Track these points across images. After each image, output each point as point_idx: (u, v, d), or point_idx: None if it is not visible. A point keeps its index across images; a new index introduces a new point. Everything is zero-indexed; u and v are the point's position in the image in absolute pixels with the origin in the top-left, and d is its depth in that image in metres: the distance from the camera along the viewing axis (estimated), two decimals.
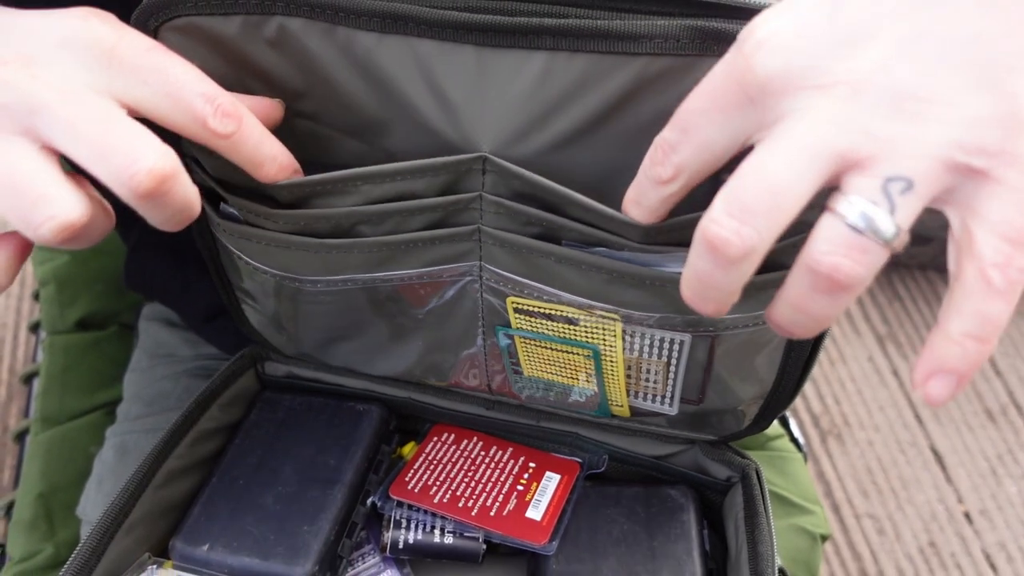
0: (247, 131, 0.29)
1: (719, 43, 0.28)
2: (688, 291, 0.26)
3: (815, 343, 0.38)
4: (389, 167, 0.32)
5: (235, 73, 0.32)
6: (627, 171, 0.29)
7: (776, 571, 0.39)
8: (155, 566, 0.42)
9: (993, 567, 0.92)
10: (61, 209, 0.26)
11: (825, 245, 0.23)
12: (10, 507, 0.61)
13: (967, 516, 0.95)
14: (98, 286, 0.69)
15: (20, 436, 0.65)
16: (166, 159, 0.26)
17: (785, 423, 0.66)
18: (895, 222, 0.23)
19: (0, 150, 0.26)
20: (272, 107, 0.32)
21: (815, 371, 1.03)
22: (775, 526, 0.59)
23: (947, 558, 0.92)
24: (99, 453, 0.56)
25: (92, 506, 0.53)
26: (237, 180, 0.33)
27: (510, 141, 0.32)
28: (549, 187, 0.31)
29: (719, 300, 0.25)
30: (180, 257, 0.51)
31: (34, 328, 0.71)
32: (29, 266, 1.11)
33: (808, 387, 1.04)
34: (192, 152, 0.34)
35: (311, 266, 0.36)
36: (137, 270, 0.53)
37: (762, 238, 0.23)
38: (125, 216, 0.47)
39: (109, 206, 0.29)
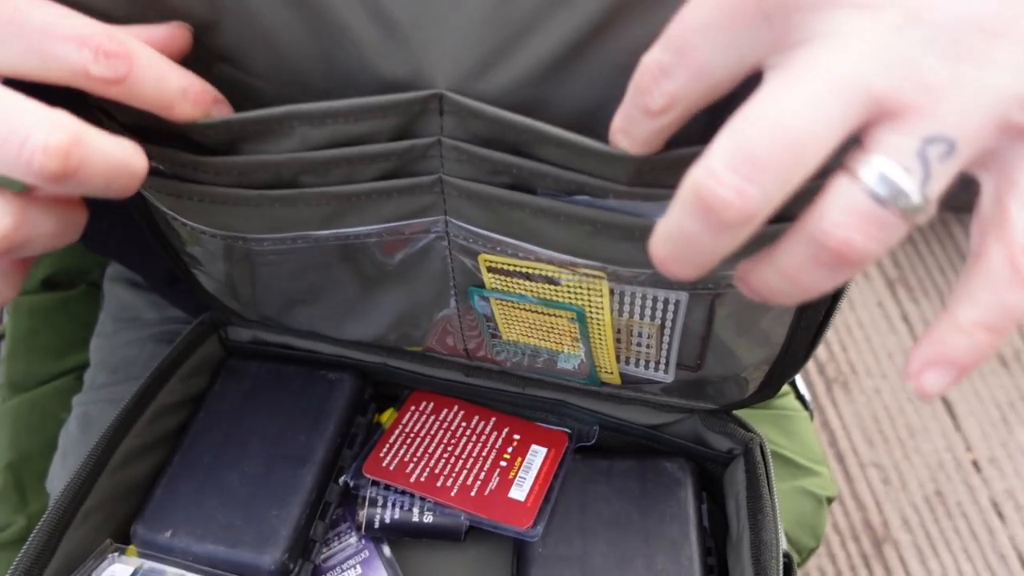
0: (142, 69, 0.24)
1: None
2: (662, 249, 0.21)
3: (833, 299, 0.33)
4: (327, 104, 0.27)
5: (128, 6, 0.27)
6: (613, 111, 0.25)
7: (780, 560, 0.36)
8: (117, 553, 0.40)
9: (1000, 515, 0.90)
10: None
11: (838, 215, 0.19)
12: None
13: (975, 464, 0.93)
14: None
15: None
16: (60, 128, 0.22)
17: (791, 380, 0.63)
18: (925, 194, 0.19)
19: None
20: (172, 33, 0.26)
21: None
22: (781, 487, 0.56)
23: (953, 507, 0.91)
24: (65, 424, 0.53)
25: (59, 481, 0.50)
26: (154, 126, 0.28)
27: (469, 75, 0.27)
28: (518, 123, 0.26)
29: (697, 265, 0.21)
30: (137, 218, 0.47)
31: None
32: None
33: None
34: (97, 101, 0.29)
35: (255, 223, 0.32)
36: (94, 233, 0.49)
37: (769, 200, 0.19)
38: None
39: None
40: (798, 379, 0.63)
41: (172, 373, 0.43)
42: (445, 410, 0.45)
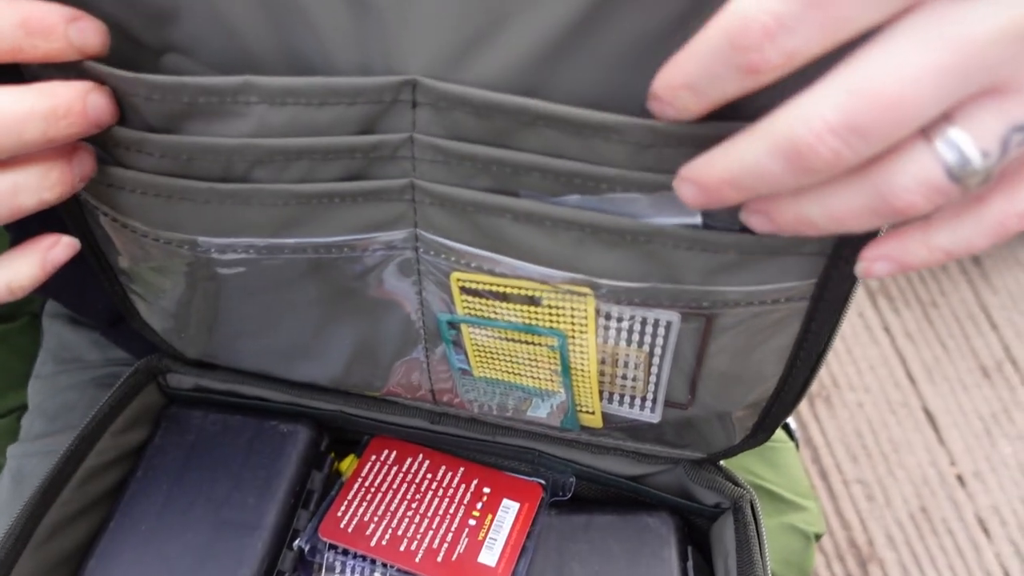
0: None
1: None
2: (722, 172, 0.21)
3: (833, 327, 0.31)
4: (289, 80, 0.24)
5: None
6: (610, 106, 0.23)
7: None
8: None
9: (986, 531, 0.89)
10: None
11: (910, 181, 0.19)
12: None
13: (960, 479, 0.91)
14: None
15: None
16: None
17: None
18: (990, 174, 0.19)
19: None
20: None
21: None
22: (767, 524, 0.54)
23: (938, 524, 0.89)
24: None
25: None
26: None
27: (446, 63, 0.24)
28: (507, 102, 0.24)
29: (749, 192, 0.21)
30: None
31: None
32: None
33: None
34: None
35: (202, 223, 0.29)
36: None
37: (859, 159, 0.19)
38: None
39: None
40: None
41: (103, 430, 0.39)
42: (409, 459, 0.41)
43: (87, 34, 0.23)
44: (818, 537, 0.55)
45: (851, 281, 0.27)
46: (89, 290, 0.45)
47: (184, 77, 0.25)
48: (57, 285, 0.46)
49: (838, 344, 0.99)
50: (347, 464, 0.43)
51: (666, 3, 0.22)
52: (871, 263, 0.23)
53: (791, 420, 0.61)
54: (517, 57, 0.23)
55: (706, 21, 0.21)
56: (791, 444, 0.58)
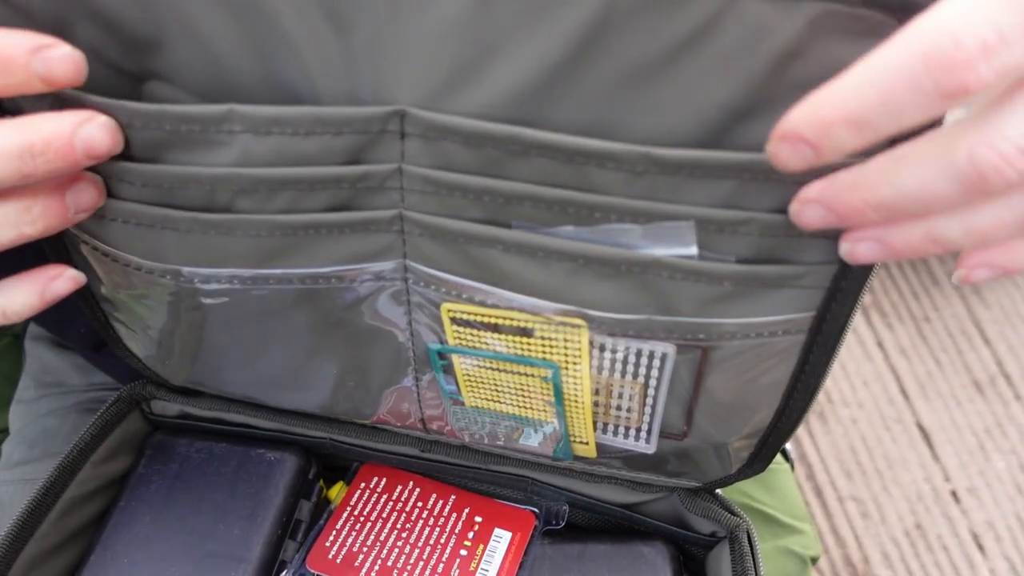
0: None
1: None
2: (870, 197, 0.21)
3: (829, 361, 0.30)
4: (274, 109, 0.24)
5: (65, 17, 0.23)
6: (615, 130, 0.22)
7: None
8: None
9: (981, 548, 0.88)
10: None
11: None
12: None
13: (954, 495, 0.91)
14: None
15: None
16: None
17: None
18: None
19: None
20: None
21: None
22: (763, 547, 0.53)
23: (933, 540, 0.88)
24: None
25: None
26: None
27: (435, 94, 0.23)
28: (500, 132, 0.23)
29: (903, 213, 0.21)
30: None
31: None
32: None
33: None
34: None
35: (184, 252, 0.28)
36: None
37: None
38: None
39: None
40: None
41: (84, 460, 0.38)
42: (399, 487, 0.41)
43: (53, 64, 0.22)
44: (814, 560, 0.54)
45: (849, 314, 0.27)
46: (71, 314, 0.44)
47: (166, 105, 0.24)
48: (42, 313, 0.45)
49: None
50: (336, 492, 0.42)
51: (665, 29, 0.21)
52: (971, 270, 0.23)
53: (788, 445, 0.60)
54: (508, 88, 0.23)
55: (722, 40, 0.21)
56: (787, 466, 0.57)
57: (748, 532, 0.36)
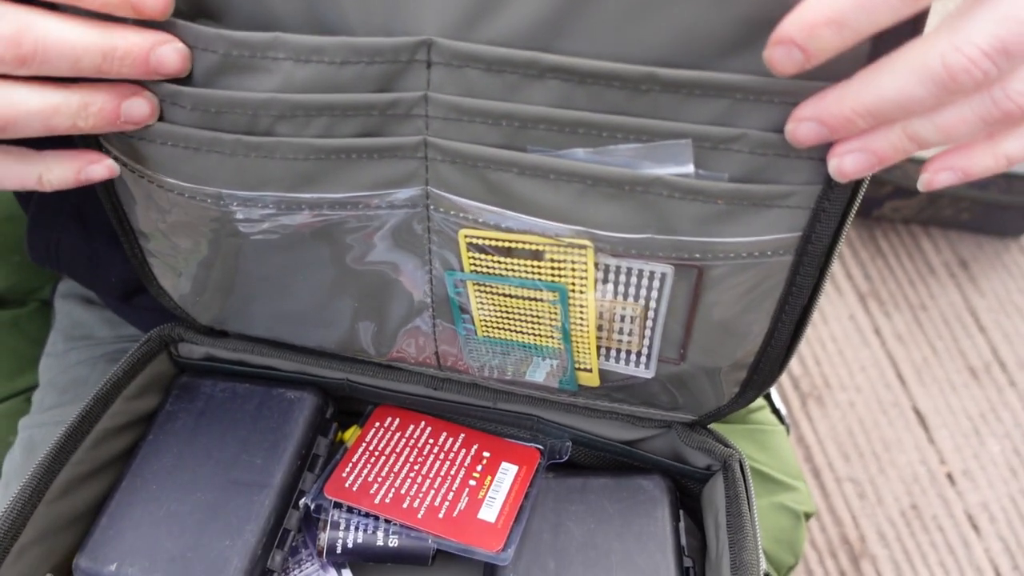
0: None
1: None
2: (857, 106, 0.24)
3: (813, 291, 0.32)
4: (314, 39, 0.27)
5: None
6: (622, 55, 0.25)
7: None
8: None
9: (976, 528, 0.90)
10: None
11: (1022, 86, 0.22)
12: None
13: (949, 477, 0.93)
14: (15, 257, 0.62)
15: None
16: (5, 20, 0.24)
17: (767, 394, 0.62)
18: None
19: None
20: None
21: None
22: (758, 504, 0.55)
23: (929, 521, 0.90)
24: (9, 449, 0.50)
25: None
26: None
27: (461, 24, 0.26)
28: (519, 56, 0.26)
29: (886, 118, 0.24)
30: (86, 223, 0.45)
31: None
32: None
33: None
34: None
35: (224, 176, 0.30)
36: (40, 241, 0.47)
37: (1000, 76, 0.22)
38: None
39: None
40: (774, 393, 0.62)
41: (117, 394, 0.40)
42: (411, 426, 0.43)
43: (166, 59, 0.27)
44: (808, 516, 0.56)
45: (833, 235, 0.29)
46: (103, 264, 0.47)
47: (222, 29, 0.27)
48: (73, 260, 0.48)
49: (830, 346, 1.01)
50: (350, 434, 0.44)
51: None
52: (935, 174, 0.26)
53: (782, 407, 0.62)
54: (524, 19, 0.25)
55: None
56: (781, 428, 0.59)
57: (740, 461, 0.38)
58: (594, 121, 0.27)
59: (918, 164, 0.98)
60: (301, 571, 0.40)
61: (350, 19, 0.27)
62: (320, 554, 0.39)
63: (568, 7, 0.25)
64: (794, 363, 0.99)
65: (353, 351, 0.41)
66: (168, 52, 0.27)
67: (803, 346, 1.00)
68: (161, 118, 0.29)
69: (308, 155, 0.29)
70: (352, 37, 0.27)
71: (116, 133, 0.30)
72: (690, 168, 0.27)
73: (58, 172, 0.29)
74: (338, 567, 0.40)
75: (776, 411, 0.60)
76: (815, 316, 1.01)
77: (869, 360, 1.00)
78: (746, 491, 0.37)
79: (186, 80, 0.28)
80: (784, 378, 0.99)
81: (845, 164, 0.26)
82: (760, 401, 0.59)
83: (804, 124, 0.25)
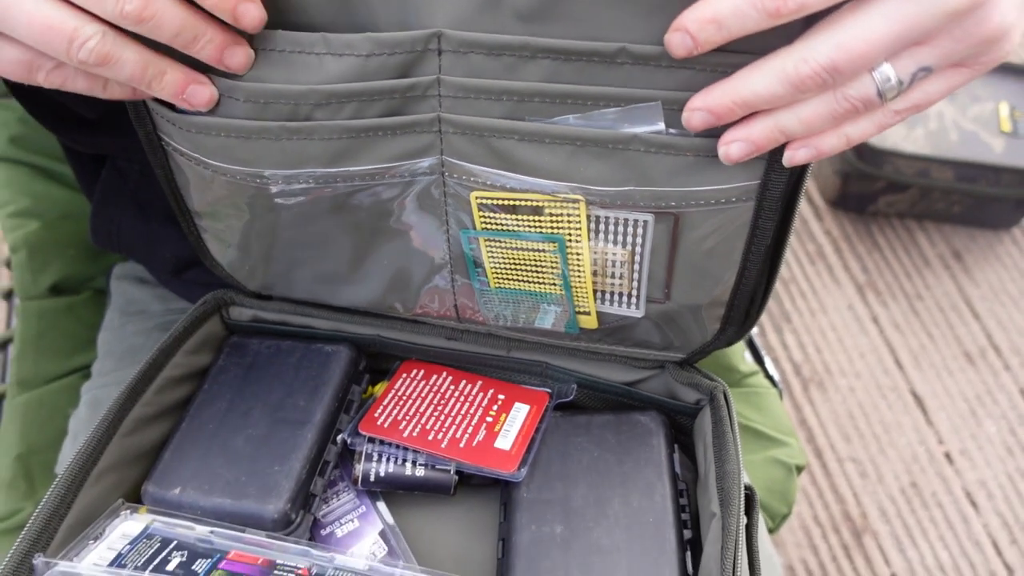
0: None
1: None
2: (736, 99, 0.30)
3: (776, 242, 0.38)
4: (348, 36, 0.32)
5: None
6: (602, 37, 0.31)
7: (742, 488, 0.39)
8: (129, 511, 0.43)
9: (974, 504, 0.93)
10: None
11: (857, 93, 0.30)
12: None
13: (947, 456, 0.96)
14: (70, 251, 0.69)
15: None
16: None
17: (760, 360, 0.67)
18: (899, 93, 0.30)
19: None
20: None
21: (796, 321, 1.04)
22: (753, 459, 0.60)
23: (928, 497, 0.94)
24: (74, 411, 0.56)
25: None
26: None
27: (465, 18, 0.32)
28: (513, 41, 0.31)
29: (754, 108, 0.31)
30: (144, 207, 0.51)
31: (7, 296, 0.71)
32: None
33: (790, 337, 1.05)
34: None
35: (271, 158, 0.36)
36: (103, 224, 0.53)
37: (835, 85, 0.30)
38: (88, 169, 0.46)
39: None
40: (768, 361, 0.67)
41: (178, 347, 0.46)
42: (434, 376, 0.48)
43: (236, 55, 0.33)
44: (799, 469, 0.61)
45: (786, 182, 0.35)
46: (158, 242, 0.53)
47: (278, 30, 0.33)
48: (132, 240, 0.54)
49: (830, 334, 1.05)
50: (379, 388, 0.49)
51: None
52: (795, 151, 0.32)
53: (774, 372, 0.67)
54: (517, 11, 0.31)
55: None
56: (774, 391, 0.64)
57: (724, 392, 0.43)
58: (579, 92, 0.32)
59: (908, 160, 1.04)
60: (339, 500, 0.46)
61: (377, 18, 0.32)
62: (355, 483, 0.45)
63: (549, 2, 0.31)
64: (796, 351, 1.04)
65: (383, 308, 0.46)
66: (239, 51, 0.32)
67: (804, 335, 1.05)
68: (215, 113, 0.35)
69: (341, 135, 0.35)
70: (377, 33, 0.32)
71: (178, 128, 0.36)
72: (661, 126, 0.33)
73: (171, 78, 0.33)
74: (372, 498, 0.46)
75: (769, 376, 0.65)
76: (815, 306, 1.06)
77: (868, 347, 1.04)
78: (729, 416, 0.42)
79: (239, 75, 0.34)
80: (786, 364, 1.03)
81: (731, 151, 0.32)
82: (754, 367, 0.64)
83: (696, 113, 0.31)
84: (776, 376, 0.65)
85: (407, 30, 0.32)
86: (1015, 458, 0.96)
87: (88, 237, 0.57)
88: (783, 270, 1.09)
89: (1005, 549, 0.90)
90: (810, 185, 1.17)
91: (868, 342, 1.04)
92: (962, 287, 1.08)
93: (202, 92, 0.34)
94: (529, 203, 0.37)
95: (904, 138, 1.04)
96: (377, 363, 0.50)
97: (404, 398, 0.47)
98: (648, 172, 0.34)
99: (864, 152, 1.04)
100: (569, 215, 0.37)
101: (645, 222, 0.37)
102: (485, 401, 0.47)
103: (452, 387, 0.48)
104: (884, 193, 1.08)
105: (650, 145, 0.33)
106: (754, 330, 0.69)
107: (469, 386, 0.48)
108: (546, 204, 0.37)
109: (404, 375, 0.48)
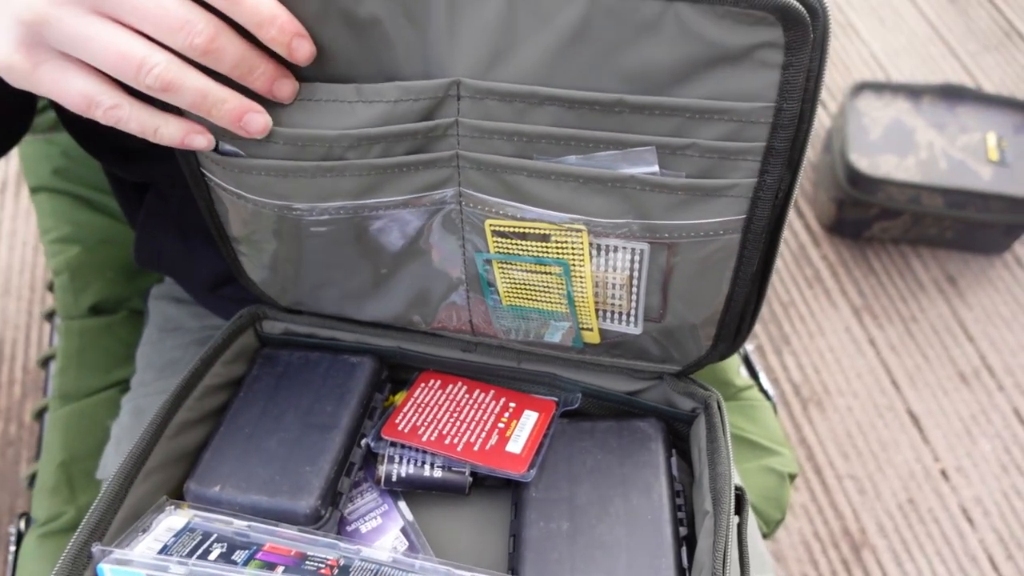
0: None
1: None
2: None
3: (763, 272, 0.42)
4: (378, 86, 0.36)
5: None
6: (599, 86, 0.35)
7: (733, 488, 0.43)
8: (173, 507, 0.47)
9: (970, 520, 0.96)
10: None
11: None
12: (33, 478, 0.65)
13: (943, 473, 0.99)
14: (108, 274, 0.74)
15: (39, 414, 0.69)
16: (209, 24, 0.33)
17: (755, 375, 0.71)
18: None
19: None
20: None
21: (795, 343, 1.07)
22: (748, 467, 0.64)
23: (925, 513, 0.96)
24: (116, 419, 0.60)
25: (112, 466, 0.57)
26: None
27: (481, 68, 0.36)
28: (522, 89, 0.35)
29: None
30: (185, 229, 0.56)
31: (49, 316, 0.76)
32: (43, 266, 1.15)
33: (789, 358, 1.09)
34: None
35: (306, 193, 0.40)
36: (146, 245, 0.58)
37: None
38: (131, 196, 0.51)
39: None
40: (762, 377, 0.71)
41: (216, 358, 0.50)
42: (451, 385, 0.52)
43: (283, 88, 0.37)
44: (792, 477, 0.64)
45: (768, 217, 0.39)
46: (197, 261, 0.58)
47: (317, 82, 0.37)
48: (172, 260, 0.59)
49: (828, 355, 1.09)
50: (399, 396, 0.54)
51: (631, 24, 0.33)
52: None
53: (769, 388, 0.71)
54: (527, 64, 0.35)
55: (663, 32, 0.33)
56: (768, 404, 0.68)
57: (718, 401, 0.47)
58: (582, 136, 0.37)
59: (900, 187, 1.08)
60: (363, 499, 0.50)
61: (402, 67, 0.37)
62: (378, 483, 0.49)
63: (556, 55, 0.35)
64: (795, 372, 1.08)
65: (404, 323, 0.51)
66: (287, 83, 0.37)
67: (803, 356, 1.08)
68: (256, 154, 0.39)
69: (370, 172, 0.39)
70: (405, 82, 0.37)
71: (222, 167, 0.40)
72: (655, 168, 0.37)
73: (171, 130, 0.36)
74: (394, 497, 0.49)
75: (763, 390, 0.69)
76: (814, 329, 1.09)
77: (865, 368, 1.07)
78: (722, 423, 0.46)
79: (277, 118, 0.38)
80: (786, 385, 1.06)
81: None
82: (749, 381, 0.68)
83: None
84: (771, 391, 0.69)
85: (428, 78, 0.37)
86: (1010, 475, 0.99)
87: (131, 258, 0.62)
88: (782, 294, 1.13)
89: (1001, 564, 0.93)
90: (807, 212, 1.21)
91: (865, 363, 1.08)
92: (956, 310, 1.12)
93: (258, 120, 0.37)
94: (537, 231, 0.41)
95: (896, 167, 1.08)
96: (398, 373, 0.54)
97: (423, 405, 0.51)
98: (644, 207, 0.38)
99: (857, 180, 1.08)
100: (573, 243, 0.41)
101: (642, 251, 0.41)
102: (497, 408, 0.51)
103: (467, 396, 0.52)
104: (878, 219, 1.12)
105: (645, 184, 0.37)
106: (750, 347, 0.73)
107: (482, 395, 0.52)
108: (552, 232, 0.41)
109: (423, 384, 0.53)
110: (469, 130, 0.38)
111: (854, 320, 1.11)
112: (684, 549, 0.45)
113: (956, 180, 1.07)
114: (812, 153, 1.22)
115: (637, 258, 0.41)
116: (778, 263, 1.13)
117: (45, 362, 0.73)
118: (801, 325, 1.09)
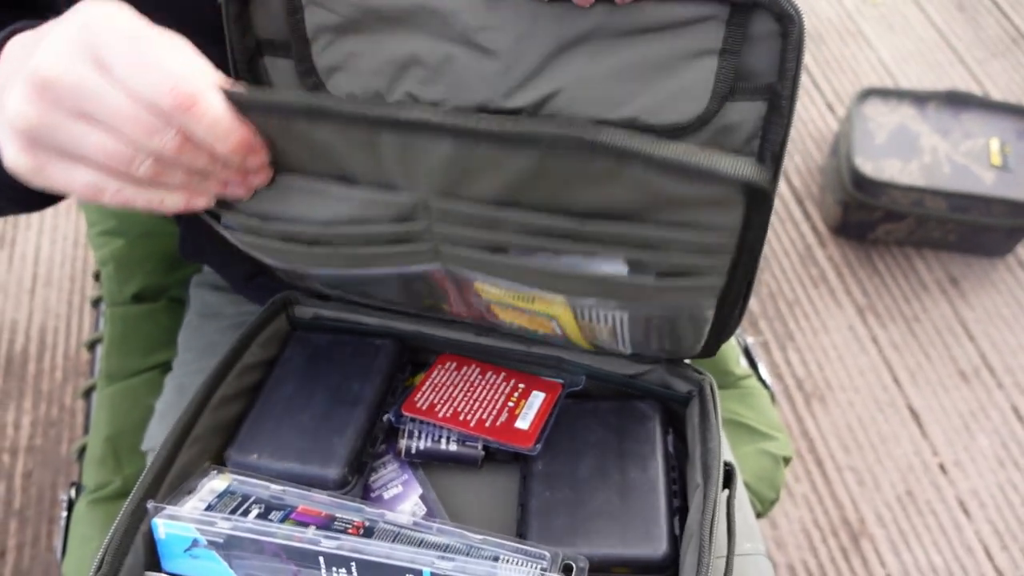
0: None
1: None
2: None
3: (740, 311, 0.45)
4: (351, 191, 0.40)
5: None
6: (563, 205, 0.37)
7: (721, 463, 0.47)
8: (215, 472, 0.52)
9: (966, 512, 0.99)
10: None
11: None
12: (82, 451, 0.71)
13: (941, 467, 1.02)
14: (149, 265, 0.80)
15: (87, 393, 0.75)
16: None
17: (754, 365, 0.75)
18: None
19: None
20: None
21: (800, 340, 1.11)
22: (745, 450, 0.68)
23: (923, 505, 1.00)
24: (160, 396, 0.65)
25: (156, 438, 0.62)
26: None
27: (445, 190, 0.38)
28: (484, 214, 0.38)
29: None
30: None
31: (95, 303, 0.81)
32: (82, 259, 1.21)
33: (793, 354, 1.12)
34: None
35: (304, 260, 0.45)
36: (190, 240, 0.63)
37: None
38: None
39: None
40: (761, 367, 0.75)
41: (252, 340, 0.56)
42: (465, 367, 0.57)
43: (257, 178, 0.40)
44: (787, 460, 0.68)
45: (740, 281, 0.40)
46: (235, 256, 0.63)
47: (298, 177, 0.41)
48: (213, 254, 0.64)
49: (831, 352, 1.13)
50: (418, 377, 0.58)
51: (584, 174, 0.35)
52: None
53: (767, 376, 0.75)
54: (486, 192, 0.38)
55: (622, 177, 0.34)
56: (766, 392, 0.72)
57: (711, 384, 0.51)
58: (549, 246, 0.39)
59: (904, 191, 1.11)
60: (386, 469, 0.54)
61: (366, 179, 0.39)
62: (399, 455, 0.53)
63: (515, 188, 0.36)
64: (799, 367, 1.11)
65: (423, 310, 0.55)
66: (259, 176, 0.40)
67: (807, 353, 1.12)
68: (253, 232, 0.44)
69: (356, 257, 0.44)
70: (380, 195, 0.39)
71: (230, 231, 0.45)
72: (624, 270, 0.39)
73: (174, 199, 0.38)
74: (413, 468, 0.54)
75: (761, 379, 0.73)
76: (818, 326, 1.13)
77: (867, 365, 1.11)
78: (714, 404, 0.50)
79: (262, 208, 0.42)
80: (789, 380, 1.10)
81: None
82: (748, 370, 0.72)
83: None
84: (769, 381, 0.73)
85: (394, 189, 0.39)
86: (1006, 470, 1.02)
87: (171, 250, 0.68)
88: (788, 292, 1.17)
89: (996, 555, 0.96)
90: (813, 213, 1.24)
91: (868, 360, 1.11)
92: (958, 310, 1.15)
93: (238, 190, 0.41)
94: (522, 295, 0.45)
95: (900, 171, 1.11)
96: (417, 356, 0.59)
97: (440, 385, 0.56)
98: (617, 295, 0.42)
99: (862, 183, 1.12)
100: (554, 305, 0.45)
101: (621, 316, 0.45)
102: (508, 389, 0.55)
103: (480, 376, 0.56)
104: (882, 222, 1.16)
105: (615, 283, 0.40)
106: (749, 340, 0.78)
107: (494, 376, 0.56)
108: (536, 296, 0.45)
109: (440, 366, 0.57)
110: (442, 235, 0.41)
111: (858, 319, 1.15)
112: (677, 518, 0.49)
113: (959, 184, 1.10)
114: (819, 156, 1.25)
115: (616, 317, 0.45)
116: (784, 262, 1.17)
117: (92, 345, 0.79)
118: (806, 323, 1.13)
